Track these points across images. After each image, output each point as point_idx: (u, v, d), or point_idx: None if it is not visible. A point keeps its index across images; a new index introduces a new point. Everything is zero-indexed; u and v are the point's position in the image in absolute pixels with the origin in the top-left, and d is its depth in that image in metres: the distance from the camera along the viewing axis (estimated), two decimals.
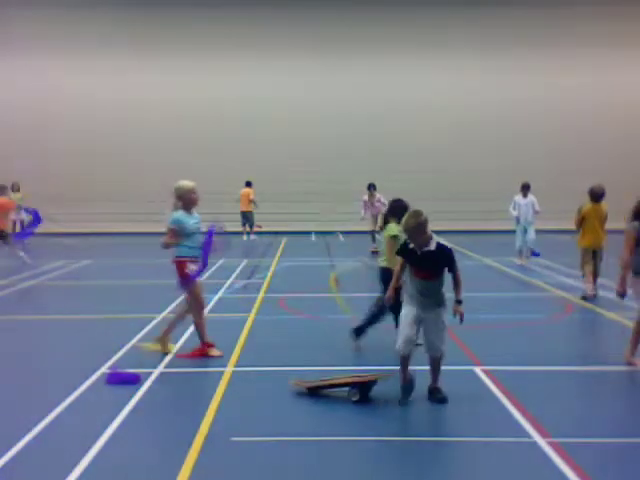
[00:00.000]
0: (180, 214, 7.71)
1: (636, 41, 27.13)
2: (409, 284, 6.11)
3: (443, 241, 6.02)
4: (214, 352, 7.64)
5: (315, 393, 6.19)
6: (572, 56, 26.95)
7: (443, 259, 5.97)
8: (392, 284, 6.28)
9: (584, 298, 11.00)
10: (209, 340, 7.72)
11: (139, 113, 26.99)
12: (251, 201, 23.25)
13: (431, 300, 6.02)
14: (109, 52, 26.75)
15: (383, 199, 17.52)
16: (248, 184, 23.54)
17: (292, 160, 26.34)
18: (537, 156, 26.44)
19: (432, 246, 5.93)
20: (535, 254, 15.46)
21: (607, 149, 26.59)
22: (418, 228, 5.87)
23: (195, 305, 7.75)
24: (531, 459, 4.86)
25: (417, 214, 5.93)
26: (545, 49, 26.92)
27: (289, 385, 6.57)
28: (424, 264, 5.96)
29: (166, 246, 7.62)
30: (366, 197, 18.37)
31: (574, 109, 26.90)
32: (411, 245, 6.01)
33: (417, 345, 6.23)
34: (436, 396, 6.06)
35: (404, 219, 6.05)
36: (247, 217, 23.38)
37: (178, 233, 7.56)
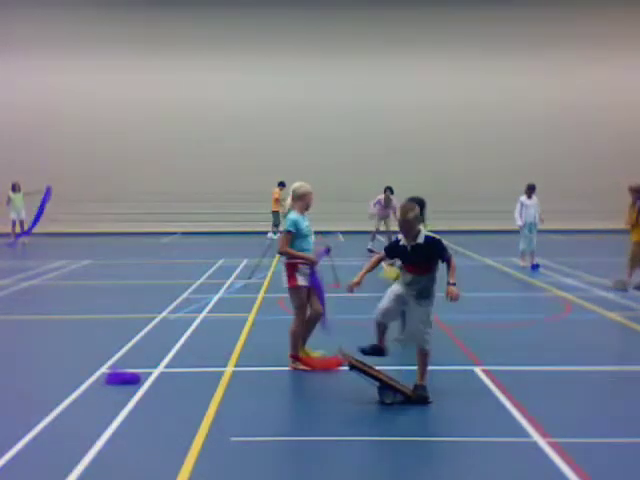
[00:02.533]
0: (296, 216, 7.24)
1: (636, 41, 27.12)
2: (401, 274, 6.28)
3: (430, 234, 6.12)
4: (298, 365, 7.19)
5: (355, 369, 6.15)
6: (572, 56, 26.94)
7: (433, 251, 6.05)
8: (362, 272, 6.34)
9: (623, 286, 11.77)
10: (298, 353, 7.29)
11: (139, 113, 26.99)
12: (276, 200, 23.33)
13: (417, 293, 6.08)
14: (109, 52, 26.73)
15: (398, 205, 17.41)
16: (279, 184, 23.62)
17: (292, 160, 26.32)
18: (537, 156, 26.42)
19: (421, 239, 6.05)
20: (535, 266, 14.81)
21: (607, 149, 26.58)
22: (415, 220, 6.02)
23: (297, 313, 7.30)
24: (531, 459, 4.86)
25: (413, 207, 6.07)
26: (545, 49, 26.91)
27: (288, 385, 6.57)
28: (414, 259, 6.07)
29: (286, 254, 7.14)
30: (381, 197, 18.31)
31: (574, 109, 26.87)
32: (401, 242, 6.15)
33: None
34: (417, 393, 6.03)
35: (401, 212, 6.09)
36: (273, 217, 23.53)
37: (294, 236, 7.13)
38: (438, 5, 27.05)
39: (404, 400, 6.02)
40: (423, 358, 6.13)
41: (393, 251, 6.30)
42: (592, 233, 23.47)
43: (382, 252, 6.47)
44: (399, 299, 6.14)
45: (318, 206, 27.11)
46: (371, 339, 6.28)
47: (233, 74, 27.11)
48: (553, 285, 12.54)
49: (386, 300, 6.17)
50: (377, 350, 6.28)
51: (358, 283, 6.28)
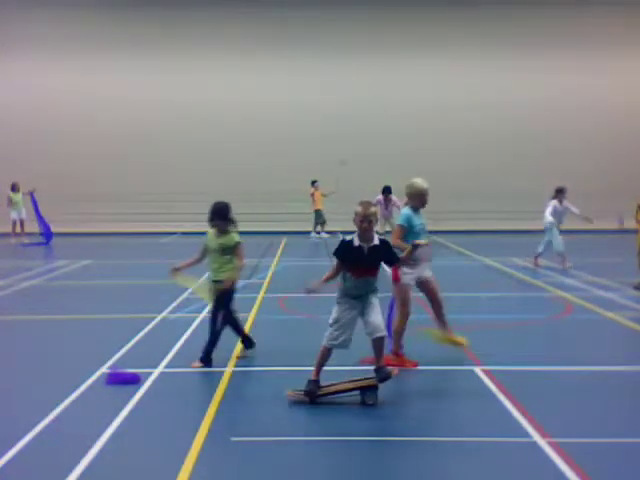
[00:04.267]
0: (409, 212, 7.27)
1: (636, 41, 27.11)
2: (345, 286, 6.06)
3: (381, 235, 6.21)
4: (407, 363, 7.14)
5: (316, 400, 6.05)
6: (572, 56, 26.93)
7: (387, 253, 6.04)
8: (323, 279, 6.11)
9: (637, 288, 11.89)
10: (401, 351, 7.27)
11: (139, 113, 26.97)
12: (315, 198, 23.08)
13: (368, 295, 6.04)
14: (109, 52, 26.72)
15: (399, 202, 17.58)
16: (313, 183, 23.22)
17: (292, 160, 26.33)
18: (537, 156, 26.42)
19: (376, 241, 5.99)
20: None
21: (607, 149, 26.56)
22: (376, 216, 6.03)
23: (401, 310, 7.27)
24: (531, 459, 4.86)
25: (371, 202, 6.07)
26: (545, 49, 26.90)
27: (288, 385, 6.57)
28: (370, 261, 5.95)
29: (396, 246, 6.87)
30: (381, 197, 18.69)
31: (574, 109, 26.86)
32: (356, 243, 5.96)
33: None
34: (380, 375, 5.98)
35: (363, 207, 5.93)
36: (316, 215, 23.18)
37: (405, 232, 7.12)
38: (439, 5, 27.03)
39: (371, 388, 5.99)
40: (381, 343, 6.01)
41: (346, 253, 5.99)
42: (592, 233, 23.45)
43: (335, 259, 6.11)
44: (354, 320, 6.03)
45: (324, 206, 26.84)
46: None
47: (233, 74, 27.09)
48: (553, 285, 12.54)
49: (347, 327, 5.98)
50: (317, 387, 6.04)
51: (315, 290, 6.05)
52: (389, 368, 6.10)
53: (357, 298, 6.05)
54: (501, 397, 6.14)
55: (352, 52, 27.00)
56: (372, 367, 6.13)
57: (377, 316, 5.98)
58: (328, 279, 6.12)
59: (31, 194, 21.46)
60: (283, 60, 27.07)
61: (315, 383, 6.04)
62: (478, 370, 6.99)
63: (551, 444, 5.03)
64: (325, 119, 26.93)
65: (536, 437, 5.19)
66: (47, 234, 21.55)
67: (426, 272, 7.35)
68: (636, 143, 26.75)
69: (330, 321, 6.08)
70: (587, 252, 18.61)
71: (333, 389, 6.09)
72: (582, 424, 5.54)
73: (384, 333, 6.04)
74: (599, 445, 5.10)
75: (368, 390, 5.99)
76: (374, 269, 6.01)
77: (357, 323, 6.10)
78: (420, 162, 26.34)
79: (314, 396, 6.03)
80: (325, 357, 6.12)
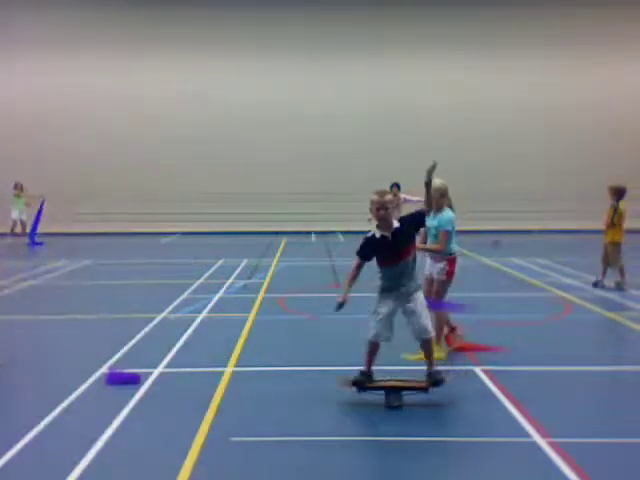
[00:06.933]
0: (451, 213, 7.55)
1: (636, 41, 27.13)
2: (383, 279, 6.04)
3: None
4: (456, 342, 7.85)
5: (363, 388, 6.05)
6: (571, 56, 26.94)
7: (409, 222, 6.01)
8: (347, 285, 5.96)
9: (619, 286, 11.88)
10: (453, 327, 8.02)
11: (139, 113, 26.96)
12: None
13: (411, 285, 5.97)
14: (109, 52, 26.72)
15: (409, 196, 17.02)
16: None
17: (292, 160, 26.34)
18: (537, 156, 26.42)
19: (396, 224, 5.94)
20: None
21: (608, 148, 26.56)
22: (393, 203, 6.11)
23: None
24: (531, 459, 4.86)
25: (387, 190, 6.10)
26: (545, 49, 26.91)
27: (288, 385, 6.57)
28: (398, 246, 5.89)
29: (440, 251, 7.41)
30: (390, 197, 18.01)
31: (573, 109, 26.87)
32: (377, 235, 5.93)
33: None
34: (432, 380, 6.00)
35: (377, 196, 5.91)
36: None
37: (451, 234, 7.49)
38: (439, 5, 27.02)
39: (420, 391, 6.00)
40: (429, 345, 6.08)
41: (372, 250, 5.97)
42: (592, 233, 23.45)
43: (356, 258, 6.04)
44: (393, 313, 6.02)
45: (319, 206, 26.97)
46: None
47: (233, 74, 27.09)
48: (553, 285, 12.54)
49: (386, 319, 5.97)
50: (368, 378, 6.06)
51: (346, 299, 5.86)
52: (442, 373, 6.07)
53: (398, 289, 5.95)
54: (501, 397, 6.15)
55: (352, 52, 26.97)
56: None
57: (421, 317, 5.95)
58: (351, 282, 6.00)
59: (42, 202, 21.13)
60: (283, 60, 27.06)
61: (366, 376, 6.04)
62: (478, 370, 6.99)
63: (551, 444, 5.04)
64: (324, 119, 26.90)
65: (536, 437, 5.19)
66: (31, 239, 21.16)
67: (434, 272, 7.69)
68: (636, 142, 26.77)
69: (370, 311, 6.08)
70: (586, 252, 18.62)
71: (382, 384, 6.04)
72: (582, 424, 5.54)
73: (430, 335, 6.02)
74: (599, 445, 5.11)
75: (393, 392, 5.95)
76: (404, 252, 5.92)
77: (398, 315, 6.07)
78: (419, 162, 26.28)
79: (361, 387, 6.04)
80: (373, 350, 6.05)
